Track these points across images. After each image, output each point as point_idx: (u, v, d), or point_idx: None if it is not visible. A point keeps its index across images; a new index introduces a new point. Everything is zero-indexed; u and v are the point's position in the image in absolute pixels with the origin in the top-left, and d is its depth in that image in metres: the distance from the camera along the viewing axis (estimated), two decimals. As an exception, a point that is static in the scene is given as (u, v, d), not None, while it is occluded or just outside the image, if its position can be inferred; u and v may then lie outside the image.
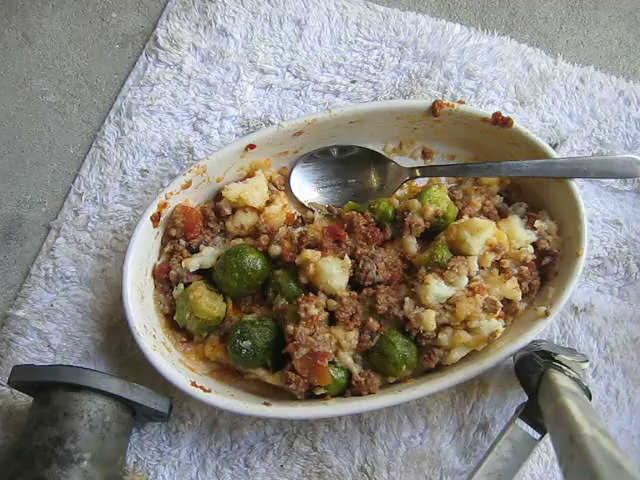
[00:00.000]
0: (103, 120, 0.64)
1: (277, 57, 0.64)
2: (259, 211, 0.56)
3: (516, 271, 0.53)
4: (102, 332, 0.58)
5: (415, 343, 0.51)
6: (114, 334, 0.58)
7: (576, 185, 0.54)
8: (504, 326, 0.52)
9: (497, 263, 0.54)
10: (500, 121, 0.55)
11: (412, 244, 0.54)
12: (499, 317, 0.51)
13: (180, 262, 0.55)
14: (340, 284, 0.51)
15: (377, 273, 0.52)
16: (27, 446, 0.48)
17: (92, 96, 0.66)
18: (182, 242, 0.56)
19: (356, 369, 0.51)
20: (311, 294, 0.51)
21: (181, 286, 0.55)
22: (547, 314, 0.51)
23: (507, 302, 0.53)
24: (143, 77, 0.65)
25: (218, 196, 0.57)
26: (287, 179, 0.59)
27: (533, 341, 0.51)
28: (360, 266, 0.52)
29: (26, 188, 0.63)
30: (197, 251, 0.55)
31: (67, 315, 0.58)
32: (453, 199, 0.56)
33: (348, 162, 0.59)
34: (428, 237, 0.54)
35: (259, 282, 0.54)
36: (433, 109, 0.56)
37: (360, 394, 0.51)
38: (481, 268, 0.53)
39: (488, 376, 0.56)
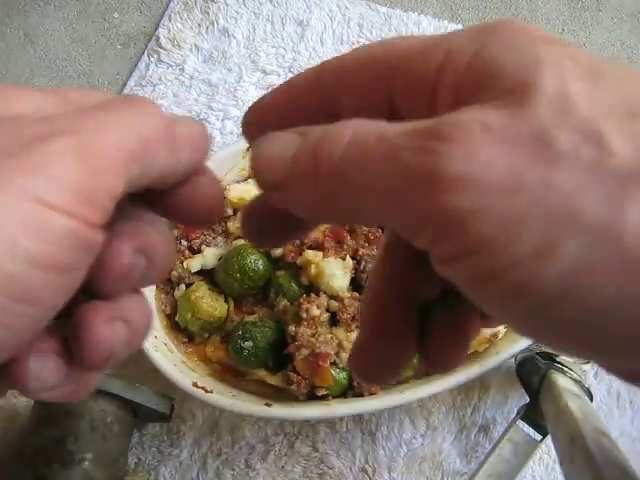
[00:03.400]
0: (105, 120, 0.64)
1: (279, 58, 0.64)
2: (261, 212, 0.56)
3: (518, 272, 0.53)
4: (103, 332, 0.58)
5: (417, 344, 0.51)
6: (115, 334, 0.57)
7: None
8: (505, 327, 0.52)
9: (499, 264, 0.54)
10: (502, 122, 0.55)
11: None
12: (501, 318, 0.51)
13: (182, 263, 0.55)
14: (342, 285, 0.51)
15: (379, 274, 0.52)
16: (28, 446, 0.48)
17: (94, 96, 0.66)
18: (184, 243, 0.56)
19: (357, 370, 0.51)
20: (313, 295, 0.51)
21: (183, 287, 0.55)
22: (549, 315, 0.51)
23: (509, 303, 0.53)
24: (145, 77, 0.65)
25: (220, 197, 0.57)
26: (289, 180, 0.59)
27: (534, 342, 0.51)
28: (362, 267, 0.52)
29: (28, 188, 0.63)
30: (199, 252, 0.55)
31: (69, 315, 0.58)
32: (455, 200, 0.56)
33: (350, 163, 0.59)
34: (430, 238, 0.54)
35: (260, 283, 0.54)
36: (435, 110, 0.55)
37: (361, 395, 0.51)
38: (483, 269, 0.53)
39: (489, 377, 0.56)
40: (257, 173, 0.18)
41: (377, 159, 0.16)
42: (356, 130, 0.16)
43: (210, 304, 0.53)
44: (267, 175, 0.18)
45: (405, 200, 0.15)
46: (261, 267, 0.53)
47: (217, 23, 0.65)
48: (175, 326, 0.55)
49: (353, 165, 0.16)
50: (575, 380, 0.48)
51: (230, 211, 0.56)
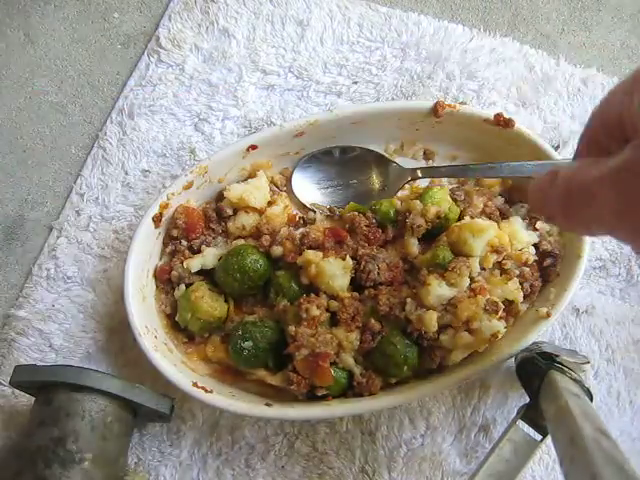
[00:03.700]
0: (105, 120, 0.64)
1: (279, 58, 0.64)
2: (260, 212, 0.56)
3: (517, 272, 0.53)
4: (103, 332, 0.58)
5: (416, 344, 0.51)
6: (115, 334, 0.58)
7: (578, 186, 0.53)
8: (505, 327, 0.52)
9: (499, 264, 0.53)
10: (502, 122, 0.55)
11: (414, 245, 0.54)
12: (500, 318, 0.51)
13: (182, 263, 0.55)
14: (342, 285, 0.51)
15: (379, 274, 0.52)
16: (28, 446, 0.48)
17: (94, 96, 0.66)
18: (184, 243, 0.56)
19: (357, 370, 0.51)
20: (312, 295, 0.51)
21: (182, 287, 0.55)
22: (548, 315, 0.51)
23: (508, 303, 0.53)
24: (145, 77, 0.65)
25: (220, 197, 0.57)
26: (289, 180, 0.59)
27: (534, 342, 0.51)
28: (362, 267, 0.52)
29: (28, 188, 0.63)
30: (199, 252, 0.55)
31: (68, 315, 0.59)
32: (455, 200, 0.56)
33: (350, 163, 0.59)
34: (429, 238, 0.54)
35: (260, 283, 0.54)
36: (435, 110, 0.56)
37: (361, 395, 0.51)
38: (482, 269, 0.53)
39: (489, 377, 0.56)
40: (530, 204, 0.36)
41: (590, 193, 0.27)
42: (579, 172, 0.28)
43: (210, 304, 0.53)
44: (535, 206, 0.32)
45: (612, 222, 0.26)
46: (261, 267, 0.53)
47: (217, 23, 0.65)
48: (175, 326, 0.55)
49: (576, 197, 0.28)
50: (575, 380, 0.48)
51: (230, 211, 0.56)
